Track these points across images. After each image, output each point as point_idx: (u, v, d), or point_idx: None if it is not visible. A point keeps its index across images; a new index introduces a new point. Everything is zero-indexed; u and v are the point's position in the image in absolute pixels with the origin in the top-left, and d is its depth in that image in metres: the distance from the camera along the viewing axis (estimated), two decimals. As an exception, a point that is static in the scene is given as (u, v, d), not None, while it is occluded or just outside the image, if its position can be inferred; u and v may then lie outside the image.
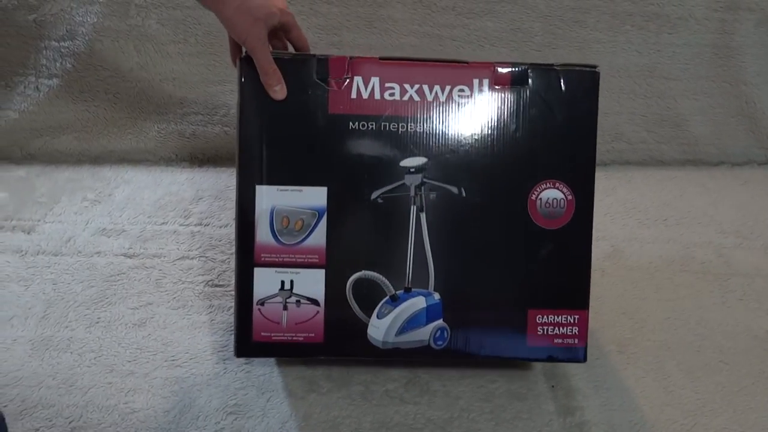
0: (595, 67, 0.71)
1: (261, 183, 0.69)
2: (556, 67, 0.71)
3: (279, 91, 0.69)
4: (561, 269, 0.72)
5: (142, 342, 0.80)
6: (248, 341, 0.71)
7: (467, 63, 0.70)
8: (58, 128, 1.11)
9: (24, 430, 0.70)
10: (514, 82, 0.70)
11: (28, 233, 0.96)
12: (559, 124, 0.71)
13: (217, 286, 0.88)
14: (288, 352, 0.72)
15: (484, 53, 1.14)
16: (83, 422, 0.71)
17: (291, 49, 0.77)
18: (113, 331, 0.81)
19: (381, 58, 0.70)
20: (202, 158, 1.14)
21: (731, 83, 1.20)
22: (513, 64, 0.71)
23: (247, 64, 0.69)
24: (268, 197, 0.69)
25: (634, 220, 1.07)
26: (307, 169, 0.70)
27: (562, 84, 0.70)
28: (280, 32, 0.74)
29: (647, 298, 0.91)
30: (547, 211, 0.70)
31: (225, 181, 1.08)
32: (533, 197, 0.70)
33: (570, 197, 0.71)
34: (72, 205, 1.01)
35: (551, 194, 0.70)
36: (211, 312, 0.85)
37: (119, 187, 1.06)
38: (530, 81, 0.70)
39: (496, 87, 0.70)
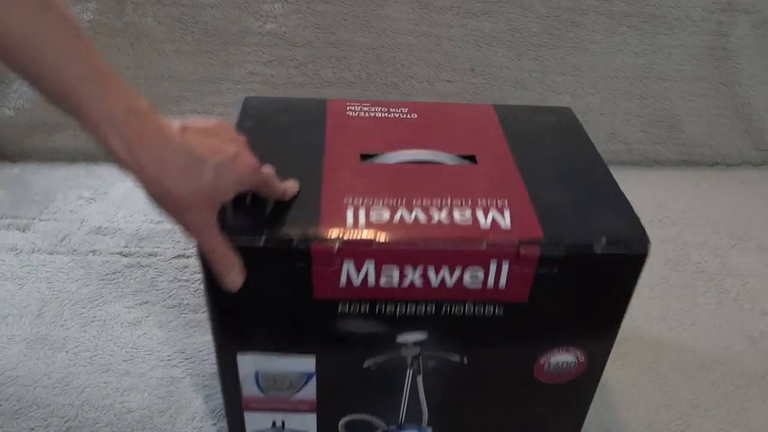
0: (646, 243, 0.55)
1: (242, 351, 0.60)
2: (597, 252, 0.54)
3: (235, 278, 0.53)
4: (560, 413, 0.68)
5: (137, 341, 0.80)
6: None
7: (485, 242, 0.54)
8: (53, 126, 1.11)
9: (19, 429, 0.69)
10: (542, 265, 0.55)
11: (23, 231, 0.95)
12: (587, 303, 0.59)
13: (213, 285, 0.88)
14: None
15: (481, 53, 1.14)
16: (78, 422, 0.71)
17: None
18: (109, 330, 0.81)
19: (376, 244, 0.54)
20: (198, 156, 1.14)
21: (727, 85, 1.20)
22: (542, 245, 0.54)
23: None
24: (252, 363, 0.61)
25: (629, 220, 1.07)
26: (293, 342, 0.60)
27: (600, 268, 0.56)
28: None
29: (643, 297, 0.92)
30: (555, 372, 0.63)
31: (221, 179, 1.08)
32: (542, 361, 0.62)
33: (582, 359, 0.63)
34: (67, 203, 1.01)
35: (562, 358, 0.62)
36: (207, 311, 0.84)
37: (114, 185, 1.05)
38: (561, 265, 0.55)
39: (518, 268, 0.55)
